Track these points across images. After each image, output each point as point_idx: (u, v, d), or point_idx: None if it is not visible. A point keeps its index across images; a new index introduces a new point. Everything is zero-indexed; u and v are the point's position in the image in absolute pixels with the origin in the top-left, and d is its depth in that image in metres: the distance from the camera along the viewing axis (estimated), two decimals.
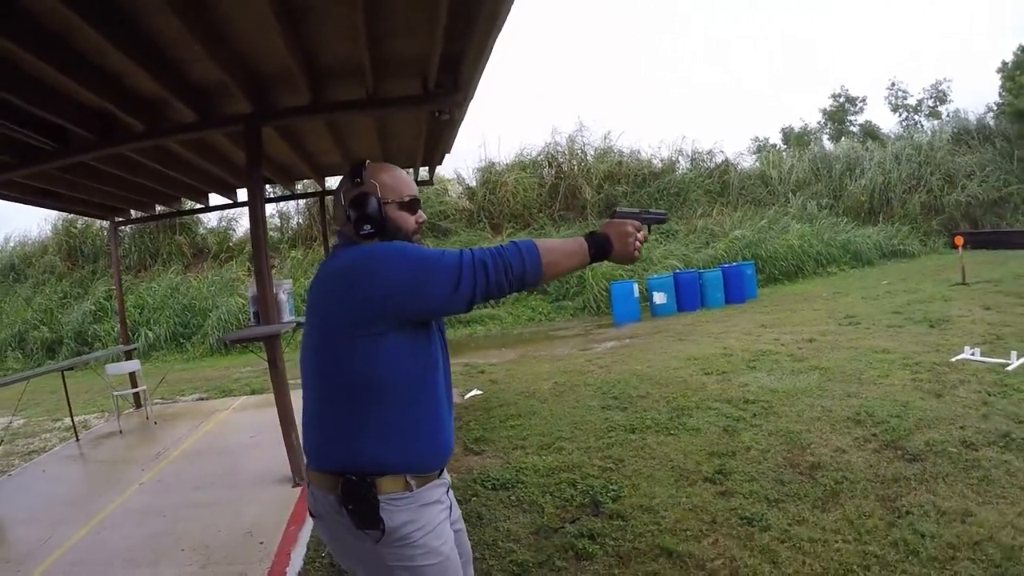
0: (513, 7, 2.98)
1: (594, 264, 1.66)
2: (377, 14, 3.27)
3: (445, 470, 1.69)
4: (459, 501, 1.77)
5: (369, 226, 1.58)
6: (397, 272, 1.46)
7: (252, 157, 4.32)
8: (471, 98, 4.32)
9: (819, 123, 27.98)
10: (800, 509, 3.19)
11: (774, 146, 25.15)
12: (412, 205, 1.69)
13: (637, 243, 1.65)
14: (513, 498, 3.81)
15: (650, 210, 1.82)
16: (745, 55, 51.72)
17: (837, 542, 2.82)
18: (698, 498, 3.45)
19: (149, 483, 4.85)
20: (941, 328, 7.15)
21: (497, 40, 3.37)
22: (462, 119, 5.02)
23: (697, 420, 4.83)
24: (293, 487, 4.25)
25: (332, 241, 2.04)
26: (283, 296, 5.27)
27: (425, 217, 1.77)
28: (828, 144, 23.74)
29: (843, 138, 23.97)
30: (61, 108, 4.00)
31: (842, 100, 28.08)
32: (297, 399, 4.54)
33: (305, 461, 1.63)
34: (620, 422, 5.06)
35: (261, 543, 3.45)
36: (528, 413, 5.72)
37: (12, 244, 19.73)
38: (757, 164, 20.59)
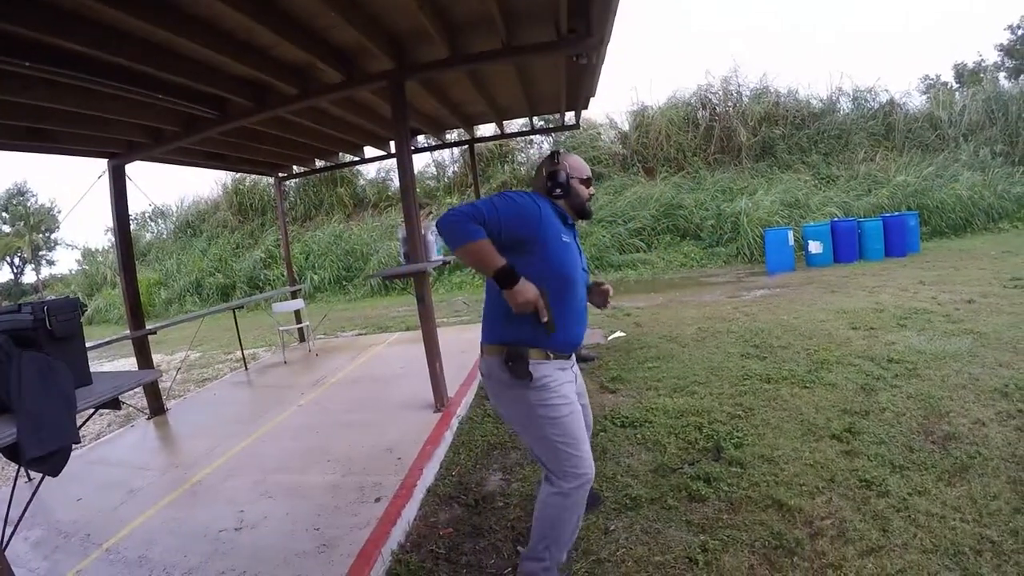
0: None
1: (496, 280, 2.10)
2: None
3: (574, 355, 2.43)
4: None
5: (559, 190, 2.34)
6: None
7: (398, 110, 4.60)
8: (607, 41, 4.32)
9: (995, 63, 23.71)
10: (924, 479, 2.98)
11: (945, 84, 21.83)
12: (588, 182, 2.45)
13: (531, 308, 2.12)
14: (639, 436, 3.90)
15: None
16: None
17: (955, 519, 2.61)
18: (821, 454, 3.35)
19: (307, 405, 5.44)
20: None
21: None
22: (601, 62, 5.01)
23: (835, 375, 4.63)
24: (434, 412, 4.55)
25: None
26: (431, 237, 5.54)
27: (595, 191, 2.18)
28: (1005, 82, 20.13)
29: (1022, 76, 20.35)
30: (218, 81, 4.51)
31: (1021, 32, 23.80)
32: (442, 332, 4.95)
33: (481, 338, 2.36)
34: (757, 371, 4.97)
35: (399, 459, 3.78)
36: (667, 356, 5.76)
37: (187, 204, 22.52)
38: (926, 104, 17.96)
